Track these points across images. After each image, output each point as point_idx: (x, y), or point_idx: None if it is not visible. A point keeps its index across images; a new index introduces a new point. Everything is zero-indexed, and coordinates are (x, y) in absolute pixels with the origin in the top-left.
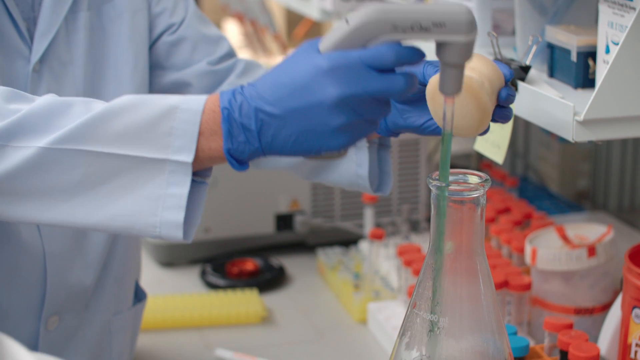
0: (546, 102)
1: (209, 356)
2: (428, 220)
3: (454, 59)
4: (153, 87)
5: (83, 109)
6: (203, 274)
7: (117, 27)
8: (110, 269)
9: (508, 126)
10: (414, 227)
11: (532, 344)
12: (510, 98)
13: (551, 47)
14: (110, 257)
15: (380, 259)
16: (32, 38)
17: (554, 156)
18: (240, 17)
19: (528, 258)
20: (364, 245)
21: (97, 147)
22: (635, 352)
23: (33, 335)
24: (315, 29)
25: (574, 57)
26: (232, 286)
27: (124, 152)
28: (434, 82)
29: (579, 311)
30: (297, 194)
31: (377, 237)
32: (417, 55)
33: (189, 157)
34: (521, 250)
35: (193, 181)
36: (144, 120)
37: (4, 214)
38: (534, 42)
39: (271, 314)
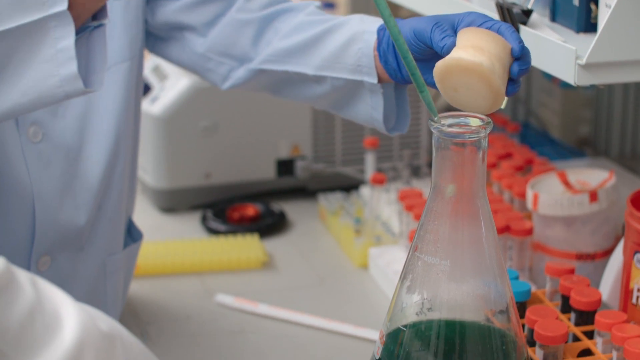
0: (548, 46)
1: (209, 302)
2: (429, 165)
3: None
4: None
5: None
6: (204, 220)
7: None
8: (105, 209)
9: None
10: (415, 172)
11: (533, 289)
12: (522, 72)
13: None
14: (104, 199)
15: (381, 204)
16: None
17: (555, 102)
18: None
19: (529, 203)
20: (365, 191)
21: None
22: (637, 297)
23: None
24: None
25: (576, 1)
26: (233, 231)
27: (4, 27)
28: (442, 64)
29: (580, 256)
30: (298, 139)
31: (378, 182)
32: None
33: (63, 5)
34: (523, 196)
35: (87, 27)
36: None
37: None
38: None
39: (272, 259)
